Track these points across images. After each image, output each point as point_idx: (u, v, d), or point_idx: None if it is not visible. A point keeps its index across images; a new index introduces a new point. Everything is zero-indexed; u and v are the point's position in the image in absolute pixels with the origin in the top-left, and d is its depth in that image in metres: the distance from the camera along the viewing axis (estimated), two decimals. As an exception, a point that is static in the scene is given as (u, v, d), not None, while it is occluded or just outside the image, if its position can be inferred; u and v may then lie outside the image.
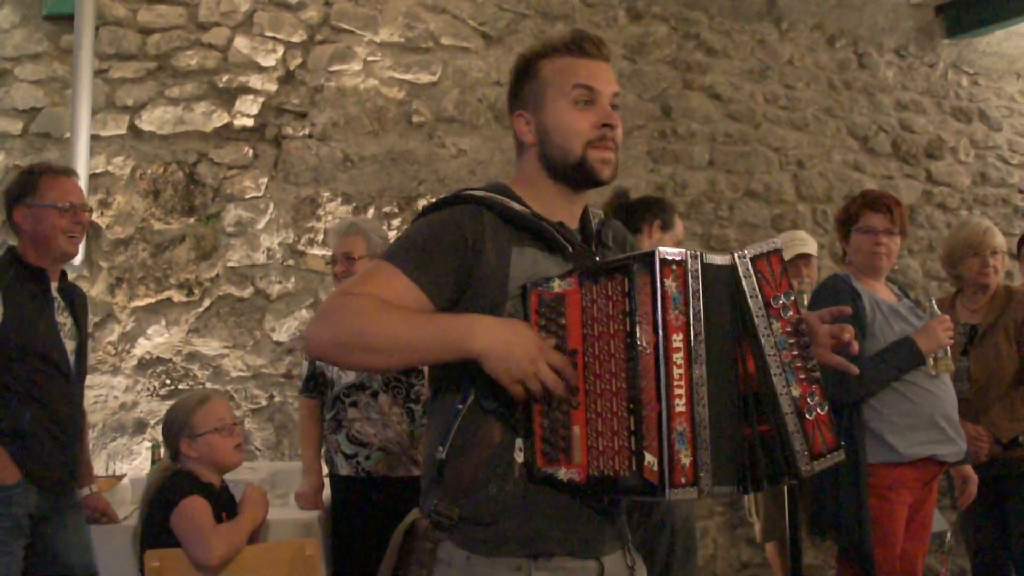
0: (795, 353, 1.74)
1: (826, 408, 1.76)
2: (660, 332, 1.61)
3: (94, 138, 4.76)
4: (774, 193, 6.18)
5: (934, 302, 3.65)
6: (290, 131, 5.11)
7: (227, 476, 3.31)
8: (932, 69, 6.79)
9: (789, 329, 1.75)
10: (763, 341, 1.72)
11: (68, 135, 4.69)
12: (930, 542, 3.79)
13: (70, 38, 4.74)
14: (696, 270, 1.65)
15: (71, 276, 3.58)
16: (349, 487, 3.79)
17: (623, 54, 5.86)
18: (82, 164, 4.61)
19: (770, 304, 1.74)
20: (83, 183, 4.55)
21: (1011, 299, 4.16)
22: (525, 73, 1.97)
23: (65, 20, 4.78)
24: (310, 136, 5.13)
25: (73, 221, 3.33)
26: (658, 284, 1.61)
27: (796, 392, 1.73)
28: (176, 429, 3.16)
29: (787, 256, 4.64)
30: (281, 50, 5.14)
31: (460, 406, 1.81)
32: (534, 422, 1.76)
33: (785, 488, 4.04)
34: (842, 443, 1.78)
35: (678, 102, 5.98)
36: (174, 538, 2.95)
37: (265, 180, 5.05)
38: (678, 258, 1.64)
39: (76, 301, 3.46)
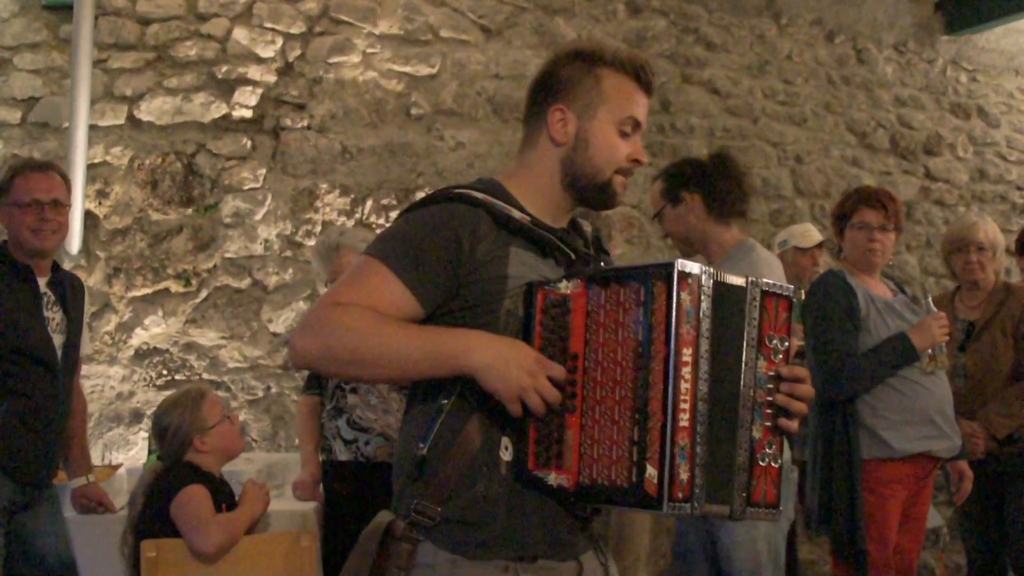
0: (769, 399, 1.71)
1: (779, 464, 1.72)
2: (672, 344, 1.59)
3: (92, 128, 4.76)
4: (772, 188, 6.17)
5: (930, 299, 3.65)
6: (288, 123, 5.10)
7: (224, 468, 3.32)
8: (931, 65, 6.78)
9: (772, 373, 1.72)
10: (743, 369, 1.69)
11: (67, 125, 4.69)
12: (925, 538, 3.80)
13: (69, 27, 4.74)
14: (709, 287, 1.64)
15: (69, 266, 3.56)
16: (345, 472, 3.77)
17: (622, 48, 5.85)
18: (80, 154, 4.61)
19: (763, 340, 1.71)
20: (81, 172, 4.56)
21: (1009, 295, 4.14)
22: (583, 70, 1.88)
23: (64, 9, 4.79)
24: (308, 128, 5.13)
25: (39, 217, 3.23)
26: (675, 297, 1.60)
27: (757, 434, 1.70)
28: (186, 428, 3.15)
29: (809, 244, 4.73)
30: (280, 41, 5.14)
31: (444, 401, 1.75)
32: (528, 424, 1.72)
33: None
34: (780, 508, 1.74)
35: (677, 96, 5.97)
36: (170, 529, 2.96)
37: (263, 171, 5.05)
38: (695, 272, 1.62)
39: (69, 291, 3.42)
